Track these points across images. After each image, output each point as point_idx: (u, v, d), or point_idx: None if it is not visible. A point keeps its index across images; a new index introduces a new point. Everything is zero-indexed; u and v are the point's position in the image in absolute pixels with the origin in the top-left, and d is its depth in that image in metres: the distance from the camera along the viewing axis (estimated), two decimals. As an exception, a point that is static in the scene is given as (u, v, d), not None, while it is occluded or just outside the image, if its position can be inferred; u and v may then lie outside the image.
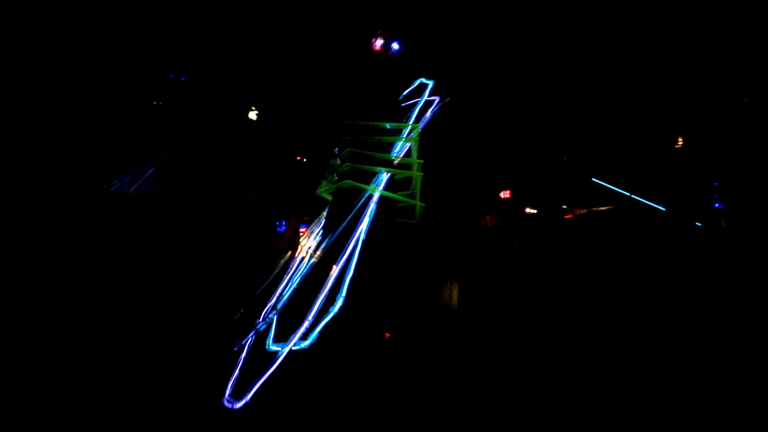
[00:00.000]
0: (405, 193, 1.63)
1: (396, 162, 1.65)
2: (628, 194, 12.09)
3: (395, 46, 1.61)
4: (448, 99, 1.84)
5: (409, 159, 1.71)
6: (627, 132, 12.58)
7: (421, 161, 1.70)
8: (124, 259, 5.66)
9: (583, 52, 11.07)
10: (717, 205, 12.04)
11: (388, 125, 1.60)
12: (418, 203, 1.63)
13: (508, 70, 10.96)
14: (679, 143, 12.75)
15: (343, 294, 1.34)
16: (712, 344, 3.12)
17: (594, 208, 12.13)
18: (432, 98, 1.76)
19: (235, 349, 1.58)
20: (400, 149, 1.66)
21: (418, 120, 1.68)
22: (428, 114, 1.73)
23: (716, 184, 12.08)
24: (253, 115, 12.96)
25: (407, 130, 1.73)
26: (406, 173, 1.63)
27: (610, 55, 10.93)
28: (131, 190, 10.69)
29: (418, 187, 1.68)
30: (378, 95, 1.68)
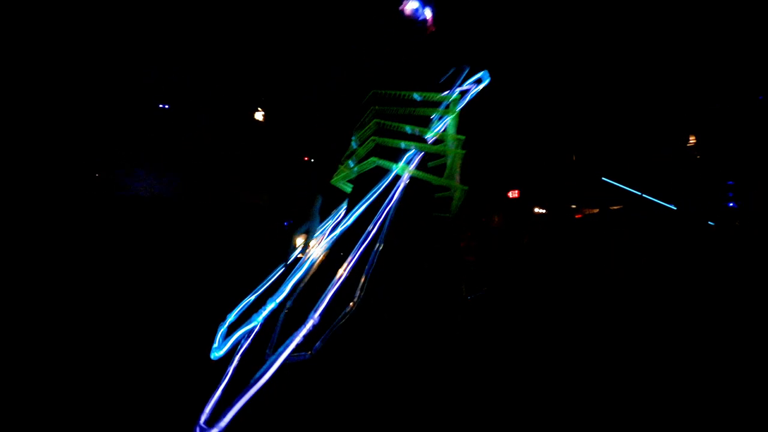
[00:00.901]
0: (439, 181, 1.38)
1: (431, 140, 1.41)
2: (639, 193, 11.86)
3: (428, 13, 1.39)
4: (489, 81, 1.60)
5: (446, 134, 1.47)
6: (638, 130, 12.36)
7: (462, 137, 1.46)
8: (122, 260, 5.49)
9: (592, 48, 10.89)
10: (731, 204, 11.80)
11: (418, 96, 1.37)
12: (458, 186, 1.37)
13: (514, 68, 10.79)
14: (692, 141, 12.51)
15: (360, 291, 1.06)
16: (724, 345, 2.95)
17: (604, 208, 11.92)
18: (467, 87, 1.57)
19: (221, 357, 1.23)
20: (434, 125, 1.45)
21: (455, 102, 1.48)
22: (467, 95, 1.54)
23: (730, 183, 11.83)
24: (259, 115, 12.82)
25: (444, 103, 1.49)
26: (444, 150, 1.40)
27: (621, 52, 10.75)
28: (136, 191, 10.55)
29: (457, 167, 1.43)
30: (408, 65, 1.45)
